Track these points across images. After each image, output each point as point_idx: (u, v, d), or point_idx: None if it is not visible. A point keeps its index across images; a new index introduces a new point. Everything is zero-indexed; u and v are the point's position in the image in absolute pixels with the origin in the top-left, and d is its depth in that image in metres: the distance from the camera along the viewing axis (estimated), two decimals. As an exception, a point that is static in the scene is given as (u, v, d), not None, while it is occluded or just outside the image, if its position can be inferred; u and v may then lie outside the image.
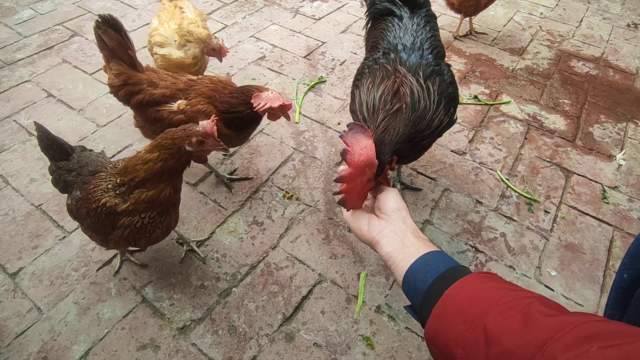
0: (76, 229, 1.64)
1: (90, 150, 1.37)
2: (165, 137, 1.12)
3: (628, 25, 3.09)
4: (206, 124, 1.10)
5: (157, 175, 1.13)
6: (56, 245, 1.60)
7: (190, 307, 1.44)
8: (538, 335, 0.46)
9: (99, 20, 1.47)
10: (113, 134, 2.06)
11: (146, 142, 1.99)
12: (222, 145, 1.14)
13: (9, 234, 1.63)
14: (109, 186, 1.19)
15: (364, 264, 1.58)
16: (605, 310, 0.80)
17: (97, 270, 1.52)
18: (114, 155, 1.95)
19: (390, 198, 0.83)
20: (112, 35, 1.49)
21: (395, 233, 0.75)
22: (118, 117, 2.15)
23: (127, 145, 2.00)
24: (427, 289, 0.64)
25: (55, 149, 1.27)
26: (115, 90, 1.60)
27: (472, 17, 2.81)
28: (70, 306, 1.42)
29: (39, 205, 1.73)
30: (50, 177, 1.33)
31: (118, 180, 1.19)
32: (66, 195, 1.33)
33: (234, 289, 1.49)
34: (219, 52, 1.88)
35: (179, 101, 1.52)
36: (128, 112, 2.17)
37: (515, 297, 0.54)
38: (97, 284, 1.49)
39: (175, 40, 1.87)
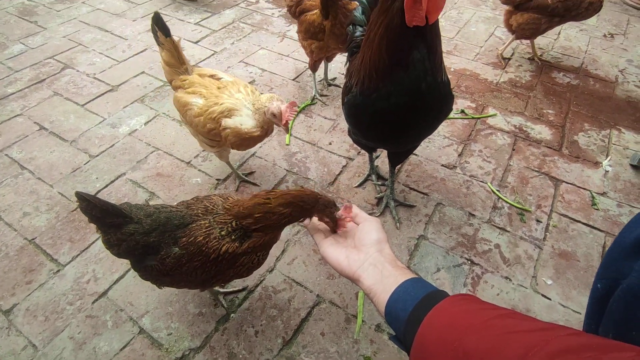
0: (70, 261, 1.63)
1: (137, 204, 1.25)
2: (304, 201, 1.05)
3: (604, 36, 3.21)
4: (343, 211, 1.04)
5: (280, 226, 1.11)
6: (50, 280, 1.58)
7: (189, 336, 1.42)
8: (513, 355, 0.48)
9: None
10: (106, 163, 2.07)
11: (138, 172, 2.01)
12: (333, 226, 1.07)
13: (2, 270, 1.61)
14: (223, 233, 1.11)
15: (362, 282, 1.58)
16: (584, 320, 0.81)
17: (93, 302, 1.51)
18: (106, 185, 1.95)
19: (372, 229, 0.85)
20: None
21: (375, 265, 0.77)
22: (110, 147, 2.16)
23: (120, 175, 2.01)
24: (407, 317, 0.64)
25: (111, 213, 1.13)
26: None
27: (532, 39, 2.84)
28: (66, 341, 1.40)
29: (33, 239, 1.72)
30: (113, 249, 1.18)
31: (234, 224, 1.11)
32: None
33: (232, 314, 1.48)
34: (279, 118, 1.51)
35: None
36: (120, 141, 2.19)
37: (490, 316, 0.56)
38: (93, 317, 1.47)
39: (247, 107, 1.58)
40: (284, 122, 1.48)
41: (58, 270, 1.61)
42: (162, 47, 1.68)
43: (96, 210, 1.11)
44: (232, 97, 1.59)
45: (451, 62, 2.86)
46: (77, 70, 2.73)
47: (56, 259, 1.65)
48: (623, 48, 3.06)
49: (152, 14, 1.65)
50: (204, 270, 1.14)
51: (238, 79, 1.71)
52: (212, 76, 1.71)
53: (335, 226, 1.02)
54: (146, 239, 1.13)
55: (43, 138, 2.22)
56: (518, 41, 3.10)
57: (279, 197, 1.08)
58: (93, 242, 1.70)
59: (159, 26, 1.63)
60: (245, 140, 1.59)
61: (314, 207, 1.04)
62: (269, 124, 1.59)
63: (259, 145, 2.16)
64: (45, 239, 1.72)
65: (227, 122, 1.56)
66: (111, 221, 1.14)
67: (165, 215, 1.16)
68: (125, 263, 1.62)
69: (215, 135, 1.63)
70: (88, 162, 2.08)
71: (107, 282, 1.57)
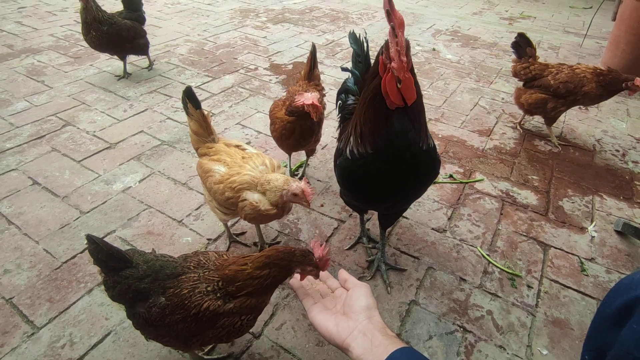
0: (47, 324, 1.55)
1: (142, 250, 1.28)
2: (281, 258, 1.08)
3: (580, 108, 3.43)
4: (320, 252, 1.07)
5: (264, 289, 1.11)
6: (23, 344, 1.49)
7: (166, 410, 1.32)
8: None
9: (312, 45, 2.25)
10: (96, 220, 2.06)
11: (128, 229, 1.99)
12: (317, 272, 1.11)
13: (-27, 332, 1.52)
14: (209, 289, 1.11)
15: (352, 350, 1.52)
16: None
17: (66, 370, 1.42)
18: (95, 242, 1.92)
19: (362, 294, 0.85)
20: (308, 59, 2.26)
21: (364, 334, 0.77)
22: (102, 204, 2.16)
23: (109, 232, 1.99)
24: None
25: (116, 258, 1.17)
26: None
27: (550, 125, 2.95)
28: (31, 415, 1.29)
29: (10, 298, 1.65)
30: (109, 292, 1.20)
31: (220, 284, 1.12)
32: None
33: (214, 385, 1.40)
34: (301, 197, 1.46)
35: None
36: (113, 198, 2.20)
37: None
38: (65, 386, 1.37)
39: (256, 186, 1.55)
40: (309, 198, 1.43)
41: (32, 334, 1.53)
42: (191, 117, 1.72)
43: (102, 253, 1.16)
44: (255, 170, 1.58)
45: (439, 128, 3.01)
46: (78, 128, 2.81)
47: (32, 320, 1.57)
48: (598, 120, 3.26)
49: (185, 87, 1.70)
50: (184, 325, 1.13)
51: (262, 153, 1.72)
52: (237, 146, 1.73)
53: (318, 270, 1.07)
54: (138, 285, 1.15)
55: (35, 193, 2.22)
56: (501, 110, 3.30)
57: (254, 260, 1.11)
58: (74, 303, 1.63)
59: (190, 99, 1.68)
60: (260, 216, 1.55)
61: (292, 260, 1.07)
62: (286, 204, 1.55)
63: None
64: (23, 299, 1.65)
65: (247, 194, 1.53)
66: (113, 265, 1.17)
67: (160, 264, 1.18)
68: (104, 326, 1.55)
69: (232, 204, 1.58)
70: (78, 218, 2.07)
71: (83, 347, 1.48)
